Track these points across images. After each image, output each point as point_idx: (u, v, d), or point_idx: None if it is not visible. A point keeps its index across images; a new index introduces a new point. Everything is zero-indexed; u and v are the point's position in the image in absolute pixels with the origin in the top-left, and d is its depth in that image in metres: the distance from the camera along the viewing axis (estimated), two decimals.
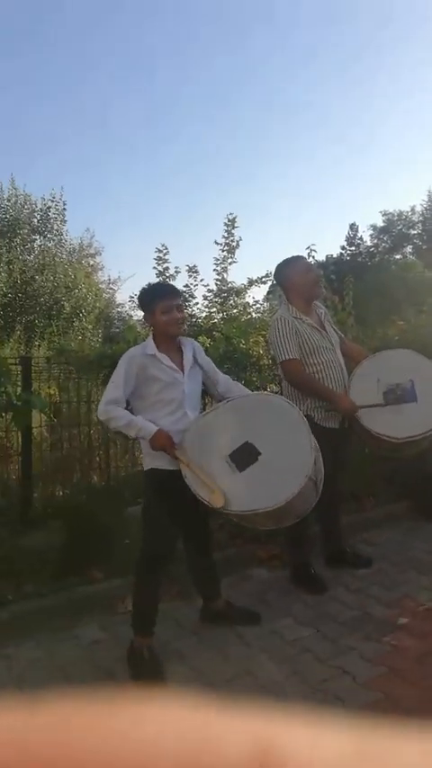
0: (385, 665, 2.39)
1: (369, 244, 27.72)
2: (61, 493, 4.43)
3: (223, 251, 7.97)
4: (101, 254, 18.23)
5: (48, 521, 3.85)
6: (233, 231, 7.98)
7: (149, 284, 2.84)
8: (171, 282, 7.42)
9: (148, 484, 2.61)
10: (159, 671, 2.41)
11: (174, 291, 2.72)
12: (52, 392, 4.93)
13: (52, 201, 15.51)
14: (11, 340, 9.89)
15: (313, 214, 52.24)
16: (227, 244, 7.98)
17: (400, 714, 2.08)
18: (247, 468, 2.45)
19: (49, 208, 15.55)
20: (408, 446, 3.10)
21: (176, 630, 2.77)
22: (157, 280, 7.46)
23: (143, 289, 2.75)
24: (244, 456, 2.47)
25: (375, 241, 27.67)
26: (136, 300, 2.94)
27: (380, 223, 27.71)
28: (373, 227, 27.84)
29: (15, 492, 4.19)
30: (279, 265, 3.34)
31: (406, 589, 3.08)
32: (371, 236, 27.86)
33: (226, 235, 7.99)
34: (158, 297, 2.60)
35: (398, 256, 24.21)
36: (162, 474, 2.53)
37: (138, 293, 2.86)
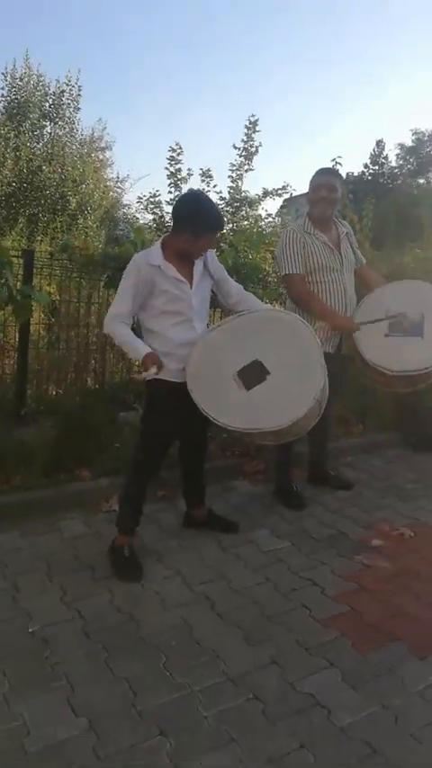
0: (355, 582, 2.50)
1: (394, 164, 26.19)
2: (54, 392, 4.46)
3: (241, 156, 7.54)
4: (111, 150, 17.28)
5: (40, 418, 3.90)
6: (253, 135, 7.52)
7: (200, 201, 2.48)
8: (183, 185, 7.09)
9: (151, 392, 2.58)
10: (138, 568, 2.51)
11: (223, 224, 2.60)
12: (52, 290, 4.83)
13: (67, 85, 14.40)
14: (13, 232, 9.57)
15: (342, 126, 49.04)
16: (245, 149, 7.53)
17: (362, 627, 2.20)
18: (254, 386, 2.43)
19: (62, 92, 14.45)
20: (401, 381, 3.03)
21: (158, 533, 2.87)
22: (169, 182, 7.12)
23: (192, 200, 2.48)
24: (252, 374, 2.44)
25: (401, 162, 26.10)
26: (172, 208, 2.61)
27: (408, 143, 26.09)
28: (401, 147, 26.23)
29: (9, 387, 4.21)
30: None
31: (383, 514, 3.17)
32: (397, 155, 26.31)
33: (245, 139, 7.53)
34: (211, 227, 2.44)
35: (421, 180, 22.88)
36: (166, 384, 2.50)
37: (180, 201, 2.56)
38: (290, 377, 2.43)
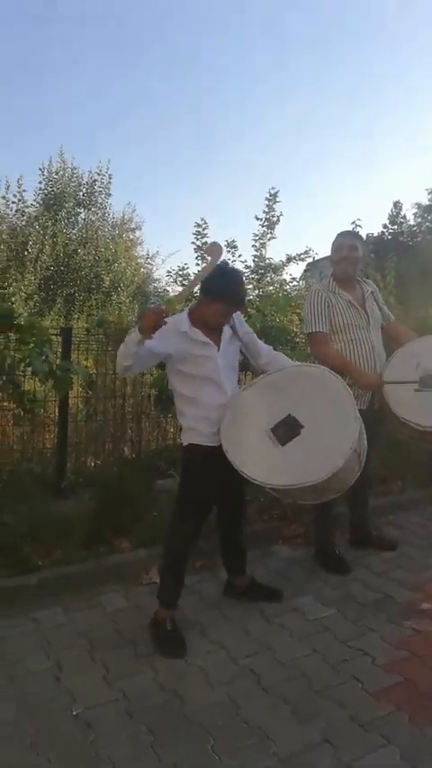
0: (406, 649, 2.38)
1: (412, 223, 26.66)
2: (93, 464, 4.52)
3: (263, 226, 7.87)
4: (141, 229, 18.20)
5: (79, 490, 3.94)
6: (274, 206, 7.87)
7: (226, 274, 2.57)
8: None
9: (187, 459, 2.60)
10: (181, 643, 2.45)
11: (239, 302, 2.62)
12: (89, 364, 4.99)
13: (98, 175, 15.53)
14: (51, 312, 10.04)
15: (357, 191, 50.69)
16: (267, 219, 7.87)
17: (416, 697, 2.08)
18: (289, 441, 2.42)
19: (95, 181, 15.57)
20: None
21: (199, 604, 2.81)
22: (196, 255, 7.44)
23: (220, 272, 2.53)
24: (286, 429, 2.43)
25: (419, 220, 26.57)
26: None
27: (425, 201, 26.70)
28: (418, 206, 26.79)
29: (50, 461, 4.29)
30: None
31: (430, 574, 3.04)
32: (414, 214, 26.85)
33: (267, 210, 7.88)
34: (224, 299, 2.48)
35: None
36: (201, 450, 2.52)
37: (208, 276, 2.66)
38: (325, 428, 2.40)
